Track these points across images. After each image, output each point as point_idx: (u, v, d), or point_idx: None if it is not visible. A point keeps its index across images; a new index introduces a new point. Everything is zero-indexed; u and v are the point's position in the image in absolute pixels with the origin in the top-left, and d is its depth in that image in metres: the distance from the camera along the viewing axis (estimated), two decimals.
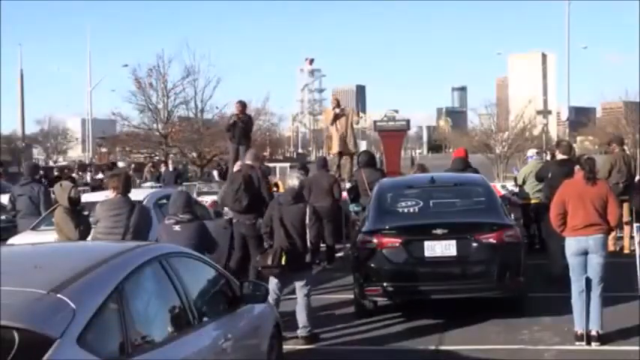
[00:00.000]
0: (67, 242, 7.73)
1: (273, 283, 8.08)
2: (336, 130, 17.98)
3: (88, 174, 38.65)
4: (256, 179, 10.47)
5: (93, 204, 10.30)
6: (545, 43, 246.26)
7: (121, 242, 7.05)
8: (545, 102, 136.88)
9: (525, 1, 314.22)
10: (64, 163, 63.28)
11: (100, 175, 19.80)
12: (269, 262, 8.07)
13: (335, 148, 18.27)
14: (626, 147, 17.43)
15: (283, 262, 8.04)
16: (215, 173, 28.29)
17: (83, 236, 8.21)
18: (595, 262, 7.49)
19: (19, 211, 11.58)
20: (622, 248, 12.65)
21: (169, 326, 4.40)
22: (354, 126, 19.42)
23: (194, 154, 37.70)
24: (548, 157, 18.20)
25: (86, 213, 8.84)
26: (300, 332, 8.07)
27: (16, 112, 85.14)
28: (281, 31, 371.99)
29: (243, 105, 16.64)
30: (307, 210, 8.28)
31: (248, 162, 10.88)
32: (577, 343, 7.51)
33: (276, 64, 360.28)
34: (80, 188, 13.66)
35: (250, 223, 10.19)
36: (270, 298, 7.17)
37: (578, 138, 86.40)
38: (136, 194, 10.11)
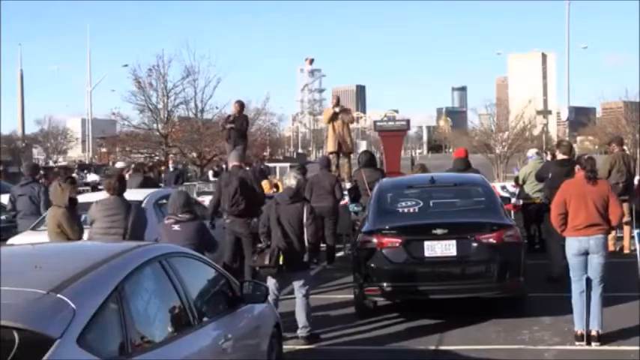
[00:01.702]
0: (67, 242, 7.73)
1: (271, 283, 8.08)
2: (333, 130, 17.94)
3: (89, 174, 38.63)
4: (249, 180, 10.45)
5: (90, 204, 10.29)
6: (545, 43, 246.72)
7: (120, 242, 7.05)
8: (545, 102, 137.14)
9: (525, 1, 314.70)
10: (64, 163, 63.29)
11: (94, 177, 19.59)
12: (266, 262, 8.06)
13: (330, 147, 18.25)
14: (625, 147, 17.42)
15: (280, 262, 8.04)
16: (210, 173, 28.28)
17: (81, 236, 8.21)
18: (596, 262, 7.48)
19: (20, 211, 11.57)
20: (622, 248, 12.66)
21: (169, 326, 4.40)
22: (351, 125, 19.33)
23: (194, 154, 37.69)
24: (549, 158, 18.20)
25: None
26: (300, 332, 8.07)
27: (16, 112, 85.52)
28: (281, 31, 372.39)
29: (241, 105, 16.70)
30: (305, 209, 8.28)
31: (234, 163, 10.80)
32: (577, 343, 7.51)
33: (276, 64, 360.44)
34: (80, 188, 13.67)
35: (245, 222, 10.18)
36: (269, 298, 7.17)
37: (578, 138, 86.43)
38: (135, 194, 10.13)
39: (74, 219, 8.35)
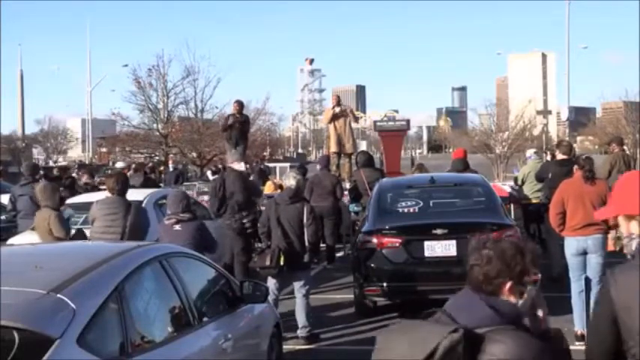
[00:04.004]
0: (66, 242, 7.72)
1: (271, 283, 8.08)
2: (335, 130, 17.94)
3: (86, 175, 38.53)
4: (235, 180, 10.64)
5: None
6: (545, 43, 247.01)
7: (120, 242, 7.05)
8: (545, 102, 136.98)
9: (525, 1, 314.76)
10: (64, 163, 63.23)
11: (85, 178, 19.49)
12: (267, 262, 8.07)
13: (332, 147, 18.26)
14: (625, 147, 17.41)
15: (281, 263, 8.04)
16: (209, 173, 28.25)
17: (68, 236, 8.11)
18: (594, 261, 7.48)
19: (20, 211, 11.57)
20: (622, 248, 12.63)
21: (169, 326, 4.40)
22: (352, 125, 19.36)
23: (194, 154, 37.65)
24: (549, 158, 18.20)
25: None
26: (300, 332, 8.07)
27: (16, 112, 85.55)
28: (281, 30, 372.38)
29: (240, 105, 16.65)
30: (305, 209, 8.28)
31: (233, 165, 10.88)
32: (577, 343, 7.50)
33: (276, 64, 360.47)
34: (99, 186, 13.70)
35: (239, 220, 10.24)
36: (269, 298, 7.18)
37: (578, 138, 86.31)
38: (135, 194, 10.12)
39: (63, 219, 8.30)
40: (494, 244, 2.72)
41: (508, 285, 2.61)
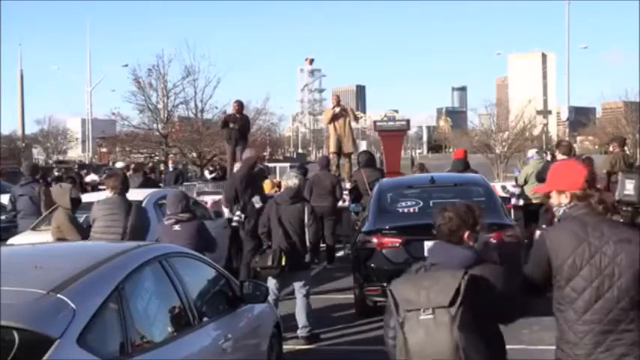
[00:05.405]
0: (66, 242, 7.72)
1: (271, 283, 8.08)
2: (334, 130, 17.94)
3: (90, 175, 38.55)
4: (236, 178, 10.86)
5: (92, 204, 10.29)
6: (545, 43, 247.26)
7: (120, 242, 7.04)
8: (545, 102, 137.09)
9: (525, 1, 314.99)
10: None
11: (92, 177, 19.40)
12: (269, 262, 8.06)
13: (331, 147, 18.26)
14: (626, 147, 17.39)
15: (283, 263, 8.03)
16: (206, 173, 28.27)
17: (84, 237, 8.17)
18: None
19: (20, 211, 11.57)
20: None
21: (169, 326, 4.39)
22: (352, 125, 19.36)
23: (194, 154, 37.62)
24: (549, 158, 18.19)
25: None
26: (300, 332, 8.07)
27: (16, 112, 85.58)
28: (281, 30, 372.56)
29: (240, 105, 16.67)
30: (305, 209, 8.28)
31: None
32: None
33: (276, 64, 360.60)
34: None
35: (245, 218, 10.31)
36: (269, 299, 7.17)
37: (578, 138, 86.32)
38: (135, 194, 10.12)
39: (74, 220, 8.32)
40: (452, 207, 3.92)
41: (467, 234, 3.77)
